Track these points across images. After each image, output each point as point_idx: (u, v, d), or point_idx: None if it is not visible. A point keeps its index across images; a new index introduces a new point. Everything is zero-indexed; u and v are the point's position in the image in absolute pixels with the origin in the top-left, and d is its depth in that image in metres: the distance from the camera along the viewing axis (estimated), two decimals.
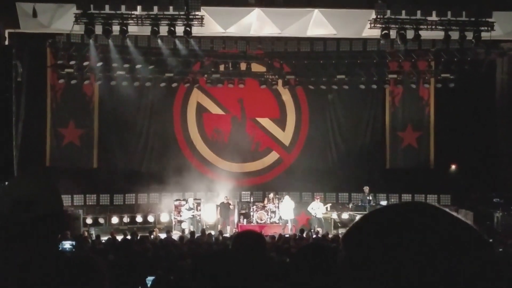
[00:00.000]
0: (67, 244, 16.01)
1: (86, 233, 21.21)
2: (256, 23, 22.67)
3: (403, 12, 21.51)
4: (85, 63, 24.61)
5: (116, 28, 21.44)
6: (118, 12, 21.15)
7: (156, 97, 26.60)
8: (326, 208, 24.38)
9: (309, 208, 24.15)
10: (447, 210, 1.40)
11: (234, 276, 3.53)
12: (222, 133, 27.54)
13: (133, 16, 21.41)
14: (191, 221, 23.61)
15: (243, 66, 25.80)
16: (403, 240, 1.34)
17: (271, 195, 25.00)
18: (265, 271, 3.93)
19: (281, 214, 24.21)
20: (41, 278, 2.48)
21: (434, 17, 21.79)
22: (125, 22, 21.32)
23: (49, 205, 2.57)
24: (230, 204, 24.54)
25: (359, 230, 1.43)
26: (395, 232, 1.36)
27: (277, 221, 24.34)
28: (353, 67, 25.57)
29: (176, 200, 24.71)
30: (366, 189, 25.08)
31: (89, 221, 24.25)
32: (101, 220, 24.76)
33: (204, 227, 23.34)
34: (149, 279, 8.60)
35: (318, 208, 24.03)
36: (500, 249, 13.76)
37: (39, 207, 2.51)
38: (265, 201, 25.03)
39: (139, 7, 21.26)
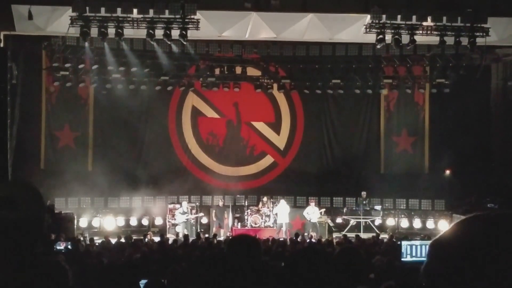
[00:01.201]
0: (62, 246, 16.00)
1: (80, 236, 21.17)
2: (252, 27, 22.66)
3: (399, 17, 21.51)
4: (81, 66, 24.61)
5: (111, 31, 21.39)
6: (114, 15, 21.11)
7: (151, 100, 26.60)
8: (321, 212, 24.37)
9: (304, 213, 24.14)
10: None
11: (229, 280, 3.53)
12: (217, 137, 27.53)
13: (129, 19, 21.37)
14: (185, 225, 23.58)
15: (238, 70, 25.83)
16: (494, 252, 1.31)
17: (266, 199, 24.99)
18: (259, 275, 3.93)
19: (277, 218, 24.20)
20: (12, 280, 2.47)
21: (429, 22, 21.80)
22: (120, 25, 21.28)
23: (26, 207, 2.54)
24: (224, 207, 24.54)
25: (451, 239, 1.40)
26: (485, 243, 1.33)
27: (271, 225, 24.33)
28: (349, 72, 25.62)
29: (171, 203, 24.69)
30: (364, 194, 25.12)
31: (83, 224, 24.22)
32: (95, 223, 24.72)
33: (199, 230, 23.31)
34: (142, 282, 8.57)
35: (313, 213, 24.02)
36: None
37: (16, 208, 2.48)
38: (260, 205, 25.01)
39: (135, 10, 21.21)
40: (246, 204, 25.52)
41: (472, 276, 1.30)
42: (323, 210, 24.70)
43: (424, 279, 1.41)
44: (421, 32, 21.88)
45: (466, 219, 1.43)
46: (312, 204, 24.41)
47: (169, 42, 22.47)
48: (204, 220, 25.11)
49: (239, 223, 24.65)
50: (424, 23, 21.73)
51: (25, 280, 2.49)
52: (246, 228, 23.95)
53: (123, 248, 16.43)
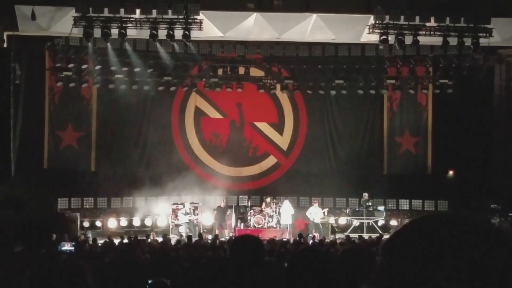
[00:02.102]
0: (66, 246, 15.99)
1: (83, 236, 21.18)
2: (255, 28, 22.67)
3: (402, 17, 21.51)
4: (84, 66, 24.62)
5: (114, 32, 21.42)
6: (117, 15, 21.14)
7: (154, 101, 26.63)
8: (324, 212, 24.36)
9: (307, 213, 24.14)
10: (491, 221, 1.39)
11: (232, 280, 3.54)
12: (220, 137, 27.53)
13: (132, 19, 21.40)
14: (187, 225, 23.57)
15: (241, 70, 25.83)
16: (445, 251, 1.33)
17: (269, 200, 24.98)
18: (263, 276, 3.94)
19: (281, 219, 24.18)
20: (33, 278, 2.48)
21: (432, 23, 21.80)
22: (124, 25, 21.30)
23: (41, 208, 2.57)
24: (227, 208, 24.54)
25: (401, 239, 1.42)
26: (437, 243, 1.35)
27: (274, 226, 24.33)
28: (352, 72, 25.59)
29: (174, 204, 24.68)
30: (365, 195, 25.10)
31: (86, 224, 24.22)
32: (98, 223, 24.72)
33: (202, 231, 23.31)
34: (148, 282, 8.60)
35: (316, 213, 24.01)
36: None
37: (31, 209, 2.51)
38: (263, 206, 24.99)
39: (138, 11, 21.25)
40: (249, 204, 25.54)
41: (423, 276, 1.33)
42: (326, 210, 24.69)
43: (376, 279, 1.43)
44: (424, 32, 21.88)
45: (416, 220, 1.46)
46: (316, 204, 24.40)
47: (172, 43, 22.49)
48: (207, 221, 25.07)
49: (242, 224, 24.64)
50: (427, 24, 21.73)
51: (40, 280, 2.50)
52: (249, 228, 23.94)
53: (126, 248, 16.43)
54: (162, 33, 21.57)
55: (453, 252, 1.33)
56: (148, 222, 25.15)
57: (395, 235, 1.45)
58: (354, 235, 22.20)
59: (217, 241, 19.12)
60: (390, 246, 1.44)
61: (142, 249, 15.44)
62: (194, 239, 19.46)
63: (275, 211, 24.47)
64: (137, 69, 24.84)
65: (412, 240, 1.40)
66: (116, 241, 18.89)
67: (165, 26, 21.44)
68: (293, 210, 24.19)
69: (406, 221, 24.95)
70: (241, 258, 3.97)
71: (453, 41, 21.97)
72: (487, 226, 1.39)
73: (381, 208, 25.32)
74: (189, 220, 23.69)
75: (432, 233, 1.38)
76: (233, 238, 19.23)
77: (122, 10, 21.06)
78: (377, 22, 21.69)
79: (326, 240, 19.93)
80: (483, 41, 21.95)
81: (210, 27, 22.16)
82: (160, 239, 19.97)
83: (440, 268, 1.32)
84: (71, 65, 24.45)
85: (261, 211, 24.67)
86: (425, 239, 1.37)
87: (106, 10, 21.07)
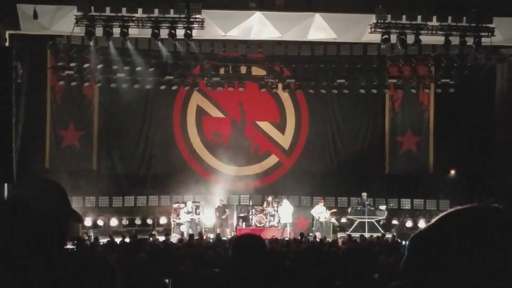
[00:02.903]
0: (69, 245, 16.04)
1: (85, 235, 21.20)
2: (257, 27, 22.67)
3: (404, 17, 21.51)
4: (85, 65, 24.63)
5: (116, 31, 21.42)
6: (118, 14, 21.15)
7: (156, 100, 26.65)
8: (330, 214, 24.40)
9: (312, 211, 24.19)
10: None
11: (234, 279, 3.54)
12: (221, 136, 27.53)
13: (133, 18, 21.41)
14: (189, 224, 23.59)
15: (243, 69, 25.83)
16: (475, 246, 1.32)
17: (270, 199, 25.01)
18: (264, 275, 3.93)
19: (280, 218, 24.22)
20: (48, 279, 2.48)
21: (434, 22, 21.79)
22: (125, 24, 21.31)
23: (55, 206, 2.57)
24: (225, 207, 24.54)
25: (430, 233, 1.42)
26: (467, 237, 1.34)
27: (276, 225, 24.34)
28: (353, 72, 25.60)
29: (175, 203, 24.69)
30: (364, 195, 25.08)
31: (88, 223, 24.23)
32: (100, 223, 24.74)
33: (203, 230, 23.32)
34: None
35: (321, 212, 24.07)
36: None
37: (44, 208, 2.51)
38: (264, 205, 25.01)
39: (140, 10, 21.25)
40: (251, 203, 25.53)
41: (449, 269, 1.33)
42: (334, 210, 24.80)
43: (403, 273, 1.43)
44: (426, 32, 21.88)
45: (446, 214, 1.45)
46: (321, 204, 24.43)
47: (174, 42, 22.50)
48: (209, 220, 25.07)
49: (244, 223, 24.67)
50: (429, 23, 21.72)
51: (63, 278, 2.50)
52: (251, 227, 23.97)
53: (127, 247, 16.44)
54: (164, 32, 21.57)
55: (480, 247, 1.33)
56: (149, 221, 25.17)
57: (426, 230, 1.45)
58: (356, 234, 22.21)
59: (219, 240, 19.14)
60: (416, 241, 1.44)
61: (144, 248, 15.44)
62: (195, 238, 19.47)
63: (277, 210, 24.49)
64: (138, 68, 24.84)
65: (440, 233, 1.39)
66: (118, 240, 18.91)
67: (167, 25, 21.44)
68: (293, 208, 24.20)
69: (408, 220, 25.01)
70: (243, 257, 3.97)
71: (455, 40, 21.96)
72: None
73: (383, 207, 25.32)
74: (191, 219, 23.70)
75: (459, 226, 1.37)
76: (235, 237, 19.23)
77: (124, 9, 21.07)
78: (379, 21, 21.69)
79: (328, 240, 19.95)
80: (485, 41, 21.94)
81: (212, 26, 22.16)
82: (161, 238, 19.98)
83: (465, 266, 1.32)
84: (73, 64, 24.45)
85: (263, 210, 24.70)
86: (451, 232, 1.37)
87: (108, 9, 21.09)
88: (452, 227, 1.39)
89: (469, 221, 1.39)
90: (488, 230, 1.35)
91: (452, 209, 1.49)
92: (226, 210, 24.51)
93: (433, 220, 1.47)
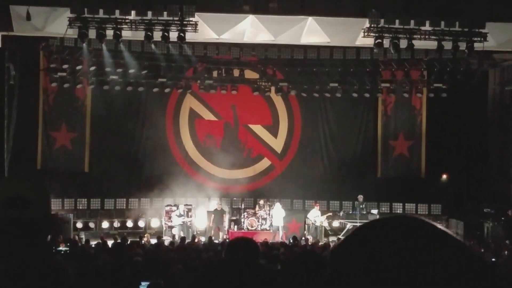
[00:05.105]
0: (61, 247, 15.99)
1: (76, 237, 21.14)
2: (250, 30, 22.66)
3: (397, 21, 21.54)
4: (78, 67, 24.60)
5: (109, 33, 21.39)
6: (112, 16, 21.11)
7: (148, 102, 26.63)
8: (323, 217, 24.41)
9: (309, 215, 24.21)
10: (440, 227, 1.39)
11: (227, 282, 3.53)
12: (214, 139, 27.51)
13: (127, 20, 21.38)
14: (181, 227, 23.55)
15: (236, 72, 25.84)
16: (389, 256, 1.33)
17: (262, 202, 24.98)
18: (258, 278, 3.93)
19: (272, 221, 24.21)
20: (32, 278, 2.47)
21: (427, 27, 21.83)
22: (119, 26, 21.28)
23: (38, 206, 2.56)
24: (223, 210, 24.52)
25: (347, 244, 1.43)
26: (381, 247, 1.35)
27: (267, 228, 24.32)
28: (346, 75, 25.63)
29: (167, 205, 24.65)
30: (360, 197, 25.09)
31: (79, 225, 24.20)
32: (92, 225, 24.71)
33: (195, 233, 23.30)
34: (144, 285, 8.59)
35: (317, 216, 24.09)
36: (493, 259, 13.76)
37: (29, 207, 2.50)
38: (256, 208, 24.98)
39: (133, 12, 21.23)
40: (243, 206, 25.50)
41: (371, 281, 1.33)
42: (329, 214, 24.83)
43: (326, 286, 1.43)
44: (419, 36, 21.91)
45: (363, 225, 1.46)
46: (316, 207, 24.46)
47: (167, 44, 22.49)
48: (201, 223, 25.04)
49: (236, 226, 24.63)
50: (422, 28, 21.76)
51: (30, 278, 2.50)
52: (243, 230, 23.93)
53: (119, 250, 16.40)
54: (157, 35, 21.55)
55: (393, 259, 1.33)
56: (141, 223, 25.15)
57: (343, 241, 1.45)
58: None
59: (211, 243, 19.11)
60: (336, 251, 1.45)
61: (135, 250, 15.41)
62: (187, 241, 19.44)
63: (269, 214, 24.47)
64: (131, 71, 24.83)
65: (357, 245, 1.39)
66: (110, 242, 18.86)
67: (160, 27, 21.42)
68: (284, 212, 24.19)
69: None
70: (236, 260, 3.97)
71: (447, 45, 22.00)
72: (431, 229, 1.39)
73: (375, 211, 25.32)
74: (183, 222, 23.66)
75: (377, 238, 1.38)
76: (228, 240, 19.24)
77: (117, 11, 21.03)
78: (372, 25, 21.71)
79: (320, 243, 19.95)
80: (477, 46, 22.00)
81: (205, 29, 22.14)
82: (153, 240, 19.94)
83: (380, 277, 1.32)
84: (65, 66, 24.41)
85: (255, 213, 24.66)
86: (365, 247, 1.37)
87: (101, 11, 21.05)
88: (371, 237, 1.39)
89: (387, 233, 1.39)
90: (408, 241, 1.35)
91: (367, 222, 1.49)
92: (224, 214, 24.48)
93: (350, 232, 1.47)
